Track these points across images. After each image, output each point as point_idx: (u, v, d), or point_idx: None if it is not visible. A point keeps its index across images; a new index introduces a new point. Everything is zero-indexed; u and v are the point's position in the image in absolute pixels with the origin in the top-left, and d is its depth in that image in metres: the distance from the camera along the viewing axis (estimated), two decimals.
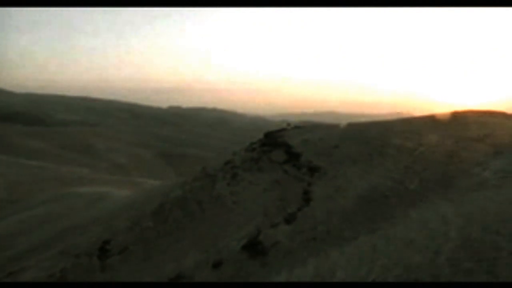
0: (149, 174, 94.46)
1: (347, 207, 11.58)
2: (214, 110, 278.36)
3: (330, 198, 12.37)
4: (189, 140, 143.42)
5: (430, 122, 17.85)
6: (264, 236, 11.76)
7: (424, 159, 12.97)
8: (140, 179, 73.92)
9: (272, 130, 27.69)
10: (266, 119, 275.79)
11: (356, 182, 12.95)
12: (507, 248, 4.75)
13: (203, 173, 24.26)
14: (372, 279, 5.21)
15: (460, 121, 17.34)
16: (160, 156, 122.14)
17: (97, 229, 24.80)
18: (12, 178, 64.99)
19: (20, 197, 54.90)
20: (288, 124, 27.59)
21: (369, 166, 14.42)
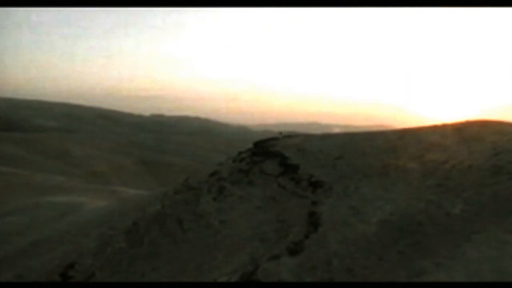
0: (129, 182, 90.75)
1: (369, 235, 9.05)
2: (197, 119, 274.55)
3: (345, 222, 9.84)
4: (171, 148, 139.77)
5: (450, 132, 15.52)
6: (262, 272, 9.13)
7: (460, 175, 10.56)
8: (120, 187, 70.58)
9: (262, 139, 25.20)
10: (249, 129, 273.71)
11: (376, 202, 10.47)
12: None
13: (185, 186, 21.54)
14: None
15: (483, 131, 15.03)
16: (140, 164, 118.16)
17: (63, 248, 21.81)
18: None
19: None
20: (280, 133, 25.12)
21: (387, 183, 11.96)
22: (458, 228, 8.03)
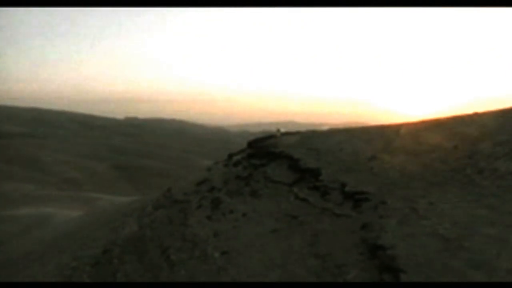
0: (104, 188, 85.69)
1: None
2: (172, 121, 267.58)
3: (451, 270, 5.95)
4: (147, 151, 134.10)
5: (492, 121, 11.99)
6: None
7: None
8: (94, 194, 65.72)
9: (258, 137, 21.23)
10: (226, 130, 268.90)
11: (484, 229, 6.64)
12: None
13: (167, 198, 17.41)
14: None
15: None
16: (115, 169, 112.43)
17: (19, 277, 17.46)
18: None
19: None
20: (278, 130, 21.23)
21: (466, 194, 8.18)
22: None
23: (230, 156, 20.73)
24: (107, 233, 16.63)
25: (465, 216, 7.26)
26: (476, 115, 15.81)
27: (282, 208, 11.46)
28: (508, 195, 7.84)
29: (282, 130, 21.44)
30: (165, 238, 12.85)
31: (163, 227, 13.92)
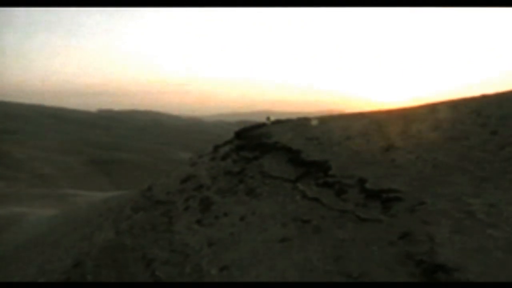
0: (79, 184, 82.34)
1: None
2: (147, 113, 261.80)
3: None
4: (122, 144, 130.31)
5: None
6: None
7: None
8: (69, 190, 62.75)
9: (246, 126, 19.26)
10: (202, 120, 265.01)
11: None
12: None
13: (148, 198, 15.38)
14: None
15: None
16: (91, 163, 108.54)
17: None
18: None
19: None
20: (268, 118, 19.34)
21: None
22: None
23: (216, 148, 18.79)
24: (80, 240, 14.55)
25: None
26: (486, 97, 14.29)
27: (288, 210, 9.60)
28: None
29: (272, 118, 19.57)
30: (148, 248, 10.88)
31: (145, 233, 11.93)
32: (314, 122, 17.20)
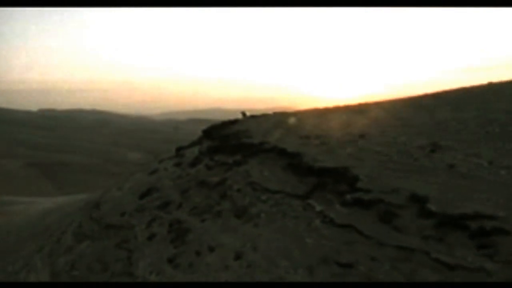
0: (19, 189, 75.47)
1: None
2: (92, 112, 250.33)
3: None
4: (66, 145, 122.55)
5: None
6: None
7: None
8: (8, 197, 56.72)
9: (215, 124, 15.92)
10: (151, 118, 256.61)
11: None
12: None
13: (96, 222, 11.77)
14: None
15: None
16: (31, 166, 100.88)
17: None
18: None
19: None
20: (243, 113, 16.16)
21: None
22: None
23: (179, 150, 15.41)
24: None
25: None
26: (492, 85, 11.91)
27: (308, 244, 6.46)
28: None
29: (247, 114, 16.38)
30: None
31: (93, 277, 8.43)
32: (292, 120, 14.23)
